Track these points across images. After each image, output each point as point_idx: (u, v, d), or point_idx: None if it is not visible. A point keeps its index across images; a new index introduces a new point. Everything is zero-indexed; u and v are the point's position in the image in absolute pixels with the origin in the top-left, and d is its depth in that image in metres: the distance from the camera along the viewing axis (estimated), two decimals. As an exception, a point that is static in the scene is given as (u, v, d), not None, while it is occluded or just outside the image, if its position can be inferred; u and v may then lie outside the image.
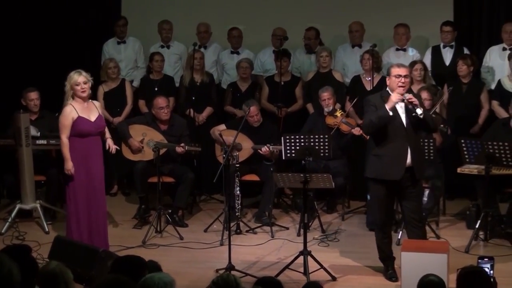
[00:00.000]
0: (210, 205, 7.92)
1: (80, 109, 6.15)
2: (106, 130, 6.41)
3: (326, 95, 7.46)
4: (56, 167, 7.11)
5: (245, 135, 7.29)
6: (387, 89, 5.68)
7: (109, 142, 6.40)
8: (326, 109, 7.45)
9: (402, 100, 5.55)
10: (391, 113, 5.53)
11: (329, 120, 7.43)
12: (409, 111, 5.55)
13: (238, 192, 6.96)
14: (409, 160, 5.56)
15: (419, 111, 5.47)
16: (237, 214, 6.95)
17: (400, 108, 5.61)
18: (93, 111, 6.22)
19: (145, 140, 7.28)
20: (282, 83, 7.99)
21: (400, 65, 5.70)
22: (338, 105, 7.71)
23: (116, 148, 6.48)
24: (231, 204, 6.76)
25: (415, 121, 5.56)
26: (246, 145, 7.37)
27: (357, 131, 7.23)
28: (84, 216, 6.19)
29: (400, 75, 5.58)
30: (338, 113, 7.47)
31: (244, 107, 7.42)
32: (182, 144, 7.19)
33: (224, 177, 6.73)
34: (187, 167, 7.43)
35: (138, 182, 7.28)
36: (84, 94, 6.16)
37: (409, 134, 5.59)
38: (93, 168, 6.18)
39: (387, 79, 5.69)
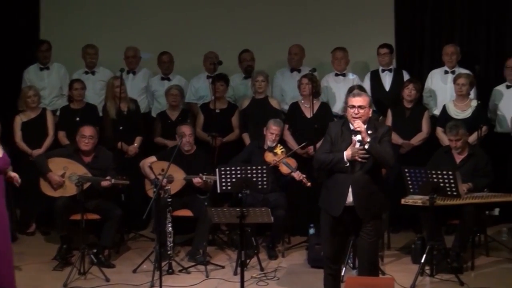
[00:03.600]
0: (140, 244, 7.83)
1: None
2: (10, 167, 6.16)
3: (276, 130, 7.46)
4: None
5: (176, 166, 7.26)
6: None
7: (12, 174, 6.11)
8: (269, 143, 7.48)
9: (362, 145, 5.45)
10: (347, 164, 5.49)
11: (268, 157, 7.42)
12: (358, 144, 5.53)
13: (170, 228, 6.89)
14: (350, 198, 5.57)
15: (366, 146, 5.45)
16: (169, 252, 6.88)
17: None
18: None
19: (66, 174, 7.17)
20: (218, 110, 8.02)
21: (356, 94, 5.62)
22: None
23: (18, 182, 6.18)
24: (163, 241, 6.70)
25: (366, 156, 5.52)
26: (178, 176, 7.33)
27: (297, 175, 7.23)
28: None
29: (353, 106, 5.56)
30: (278, 150, 7.46)
31: (177, 134, 7.43)
32: (108, 177, 7.11)
33: (155, 213, 6.68)
34: (114, 203, 7.34)
35: (59, 220, 7.13)
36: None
37: (356, 169, 5.54)
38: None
39: (346, 108, 5.73)
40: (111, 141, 7.91)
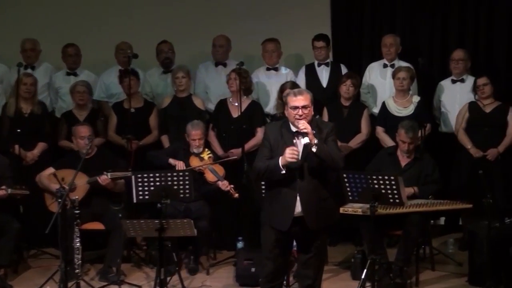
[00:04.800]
0: (42, 262, 7.71)
1: None
2: None
3: (197, 134, 7.42)
4: None
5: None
6: (288, 120, 5.66)
7: None
8: (195, 150, 7.47)
9: (308, 145, 5.40)
10: (283, 171, 5.48)
11: (194, 162, 7.41)
12: (305, 148, 5.51)
13: (77, 244, 6.75)
14: (299, 208, 5.59)
15: (313, 149, 5.46)
16: (76, 271, 6.71)
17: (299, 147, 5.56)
18: None
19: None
20: (133, 110, 7.94)
21: (297, 93, 5.59)
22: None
23: None
24: (69, 259, 6.57)
25: (313, 159, 5.51)
26: (80, 182, 7.22)
27: (224, 185, 7.23)
28: None
29: (296, 107, 5.54)
30: (206, 156, 7.47)
31: (73, 136, 7.38)
32: (4, 187, 6.97)
33: (60, 226, 6.52)
34: (11, 216, 7.20)
35: None
36: None
37: (302, 178, 5.57)
38: None
39: (285, 108, 5.69)
40: (5, 143, 7.78)
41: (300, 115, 5.52)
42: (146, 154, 7.56)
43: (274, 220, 5.65)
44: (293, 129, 5.58)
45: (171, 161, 7.39)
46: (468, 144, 7.80)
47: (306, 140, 5.45)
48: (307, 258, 5.75)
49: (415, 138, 7.20)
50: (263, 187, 6.41)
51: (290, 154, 5.45)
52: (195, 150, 7.45)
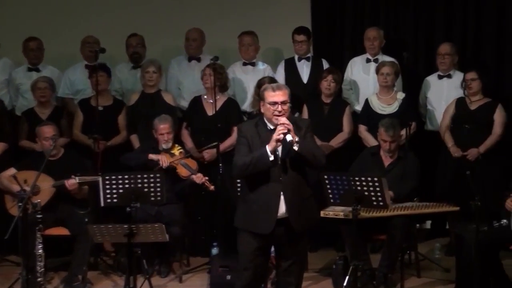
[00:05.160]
0: (2, 269, 7.66)
1: None
2: None
3: (165, 128, 7.44)
4: None
5: (42, 174, 7.10)
6: (263, 117, 5.65)
7: None
8: (164, 146, 7.47)
9: (293, 143, 5.40)
10: (272, 157, 5.46)
11: (165, 158, 7.41)
12: (286, 144, 5.50)
13: (40, 250, 6.75)
14: (283, 209, 5.57)
15: (295, 147, 5.45)
16: (39, 279, 6.73)
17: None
18: None
19: None
20: (101, 108, 7.92)
21: (276, 88, 5.59)
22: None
23: None
24: (31, 266, 6.56)
25: (294, 156, 5.52)
26: (45, 185, 7.18)
27: (198, 178, 7.25)
28: None
29: (275, 102, 5.54)
30: (176, 151, 7.47)
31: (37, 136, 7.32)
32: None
33: (21, 232, 6.50)
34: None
35: None
36: None
37: (285, 174, 5.55)
38: None
39: (261, 104, 5.68)
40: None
41: (280, 111, 5.51)
42: (119, 159, 7.51)
43: (254, 223, 5.59)
44: (270, 126, 5.57)
45: (152, 156, 7.37)
46: (449, 143, 7.85)
47: (289, 137, 5.43)
48: (289, 264, 5.73)
49: (397, 136, 7.24)
50: (239, 188, 6.41)
51: (281, 129, 5.40)
52: (164, 146, 7.45)
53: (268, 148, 5.44)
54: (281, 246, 5.72)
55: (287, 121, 5.46)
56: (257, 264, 5.67)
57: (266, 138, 5.54)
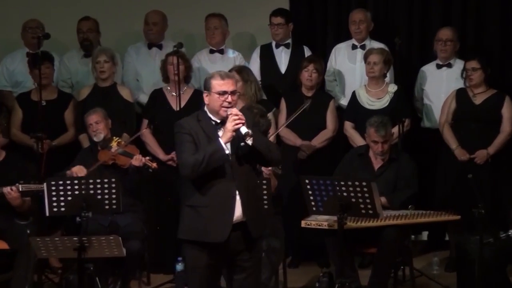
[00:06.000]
0: None
1: None
2: None
3: (91, 119, 7.48)
4: None
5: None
6: (205, 108, 5.66)
7: None
8: (95, 139, 7.48)
9: (248, 134, 5.40)
10: (228, 151, 5.49)
11: (103, 156, 7.40)
12: (239, 137, 5.51)
13: (-25, 268, 6.76)
14: (239, 212, 5.56)
15: (249, 141, 5.46)
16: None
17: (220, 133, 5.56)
18: None
19: None
20: (44, 102, 7.86)
21: (224, 76, 5.61)
22: (126, 136, 7.74)
23: None
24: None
25: (246, 151, 5.56)
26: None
27: (137, 160, 7.25)
28: None
29: (225, 92, 5.54)
30: (114, 143, 7.48)
31: None
32: None
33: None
34: None
35: None
36: None
37: (238, 172, 5.57)
38: None
39: (204, 95, 5.65)
40: None
41: (230, 102, 5.54)
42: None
43: (205, 232, 5.55)
44: (216, 119, 5.58)
45: (68, 173, 7.34)
46: (453, 144, 7.87)
47: (243, 129, 5.44)
48: (244, 278, 5.70)
49: (389, 135, 7.26)
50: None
51: (235, 119, 5.43)
52: (96, 139, 7.46)
53: (223, 140, 5.46)
54: (233, 257, 5.66)
55: (239, 113, 5.48)
56: (210, 278, 5.65)
57: (212, 133, 5.56)
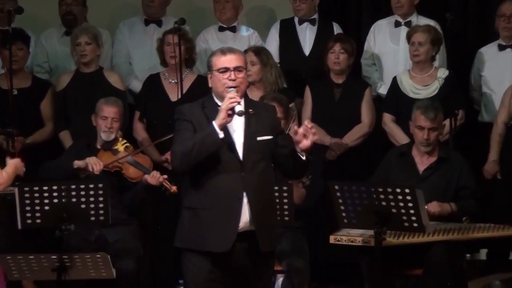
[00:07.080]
0: None
1: None
2: None
3: (110, 112, 7.43)
4: None
5: None
6: (213, 94, 5.69)
7: None
8: (104, 137, 7.47)
9: (242, 113, 5.50)
10: (222, 135, 5.51)
11: (105, 159, 7.40)
12: (247, 126, 5.57)
13: None
14: (246, 217, 5.59)
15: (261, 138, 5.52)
16: None
17: (235, 125, 5.59)
18: None
19: None
20: (15, 91, 7.92)
21: (226, 51, 5.68)
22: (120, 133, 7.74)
23: None
24: None
25: (262, 147, 5.58)
26: None
27: (154, 177, 7.21)
28: None
29: (227, 68, 5.60)
30: (121, 146, 7.48)
31: None
32: None
33: None
34: None
35: None
36: None
37: (248, 171, 5.59)
38: None
39: (208, 77, 5.71)
40: None
41: (234, 80, 5.56)
42: (38, 171, 7.47)
43: (206, 239, 5.57)
44: (220, 104, 5.57)
45: (78, 163, 7.33)
46: (493, 155, 7.89)
47: (238, 107, 5.47)
48: None
49: (439, 122, 7.21)
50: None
51: (231, 96, 5.46)
52: (104, 136, 7.44)
53: (216, 123, 5.47)
54: (239, 273, 5.66)
55: (235, 95, 5.49)
56: None
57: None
